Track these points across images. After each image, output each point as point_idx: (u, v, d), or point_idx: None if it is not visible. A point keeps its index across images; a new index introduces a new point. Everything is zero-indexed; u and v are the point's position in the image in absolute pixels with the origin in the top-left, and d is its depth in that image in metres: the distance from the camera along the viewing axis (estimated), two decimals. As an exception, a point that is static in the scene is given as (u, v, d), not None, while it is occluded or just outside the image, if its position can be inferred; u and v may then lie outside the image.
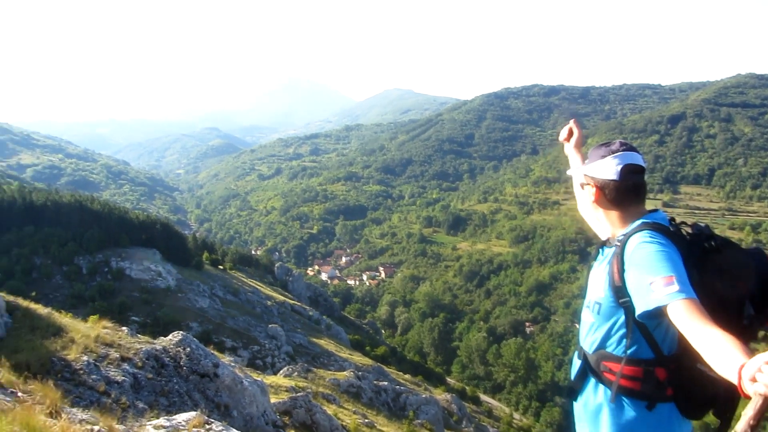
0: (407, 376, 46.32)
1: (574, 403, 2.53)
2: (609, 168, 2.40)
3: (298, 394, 15.13)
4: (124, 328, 9.33)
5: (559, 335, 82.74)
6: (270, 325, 45.17)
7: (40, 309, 9.34)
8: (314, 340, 47.79)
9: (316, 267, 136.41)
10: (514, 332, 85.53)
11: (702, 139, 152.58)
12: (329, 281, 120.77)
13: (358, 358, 44.90)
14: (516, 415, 62.48)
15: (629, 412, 2.26)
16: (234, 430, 4.34)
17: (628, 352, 2.24)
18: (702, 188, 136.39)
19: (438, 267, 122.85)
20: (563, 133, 3.58)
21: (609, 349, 2.33)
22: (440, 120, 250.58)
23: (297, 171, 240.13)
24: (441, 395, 38.50)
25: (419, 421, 25.12)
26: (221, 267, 69.19)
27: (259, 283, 69.33)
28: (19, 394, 3.49)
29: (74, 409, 4.05)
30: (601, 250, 2.55)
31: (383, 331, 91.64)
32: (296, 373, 26.96)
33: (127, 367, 7.30)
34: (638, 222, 2.34)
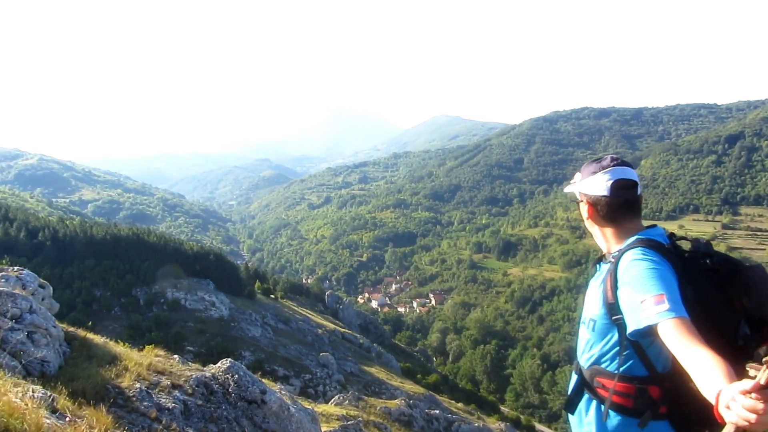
0: (460, 405, 45.60)
1: (570, 416, 2.52)
2: (600, 184, 2.40)
3: (349, 423, 15.14)
4: (175, 356, 9.58)
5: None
6: (321, 354, 45.30)
7: (97, 338, 9.67)
8: (365, 368, 47.67)
9: (366, 294, 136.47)
10: (569, 359, 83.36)
11: (762, 159, 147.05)
12: (379, 309, 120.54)
13: (409, 386, 44.52)
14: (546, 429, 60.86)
15: (620, 429, 2.24)
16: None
17: (621, 369, 2.23)
18: (764, 209, 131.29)
19: (489, 293, 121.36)
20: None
21: (603, 366, 2.32)
22: (489, 145, 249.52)
23: (346, 199, 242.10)
24: (495, 424, 37.76)
25: (473, 450, 24.72)
26: (273, 296, 69.97)
27: (309, 312, 69.81)
28: (72, 418, 3.65)
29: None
30: (597, 266, 2.53)
31: (434, 359, 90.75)
32: (347, 402, 26.93)
33: (178, 394, 7.47)
34: (633, 238, 2.32)
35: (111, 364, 7.75)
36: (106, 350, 8.62)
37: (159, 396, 7.21)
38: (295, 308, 67.91)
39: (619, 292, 2.17)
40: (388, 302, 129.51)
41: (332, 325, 65.63)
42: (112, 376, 7.30)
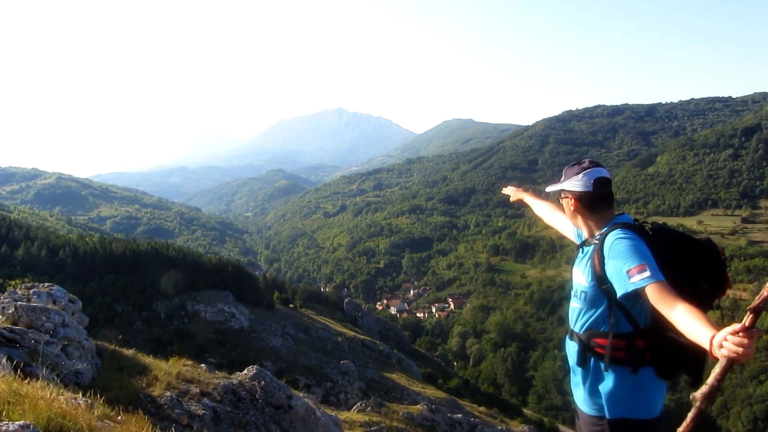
0: (482, 408, 45.44)
1: (574, 376, 3.01)
2: (584, 182, 2.96)
3: (372, 429, 15.28)
4: (202, 365, 9.80)
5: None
6: (342, 361, 45.38)
7: (126, 351, 9.93)
8: (386, 374, 47.69)
9: (385, 301, 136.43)
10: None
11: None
12: (398, 315, 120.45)
13: (431, 392, 44.47)
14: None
15: (620, 376, 2.74)
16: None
17: (614, 328, 2.74)
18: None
19: (508, 295, 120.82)
20: (512, 197, 4.39)
21: (597, 328, 2.81)
22: (502, 147, 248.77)
23: (361, 207, 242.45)
24: (518, 427, 37.61)
25: (496, 453, 24.69)
26: (292, 305, 70.27)
27: (329, 320, 70.00)
28: (116, 423, 3.86)
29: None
30: (581, 249, 3.06)
31: (455, 363, 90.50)
32: (369, 408, 27.01)
33: (207, 402, 7.68)
34: (612, 223, 2.86)
35: (141, 374, 8.00)
36: (136, 361, 8.87)
37: (189, 403, 7.43)
38: (315, 317, 68.13)
39: (606, 265, 2.67)
40: (407, 308, 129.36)
41: (352, 333, 65.75)
42: (144, 385, 7.54)
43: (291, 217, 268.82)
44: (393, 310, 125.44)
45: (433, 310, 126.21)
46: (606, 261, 2.68)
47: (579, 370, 2.95)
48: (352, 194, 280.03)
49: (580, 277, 2.94)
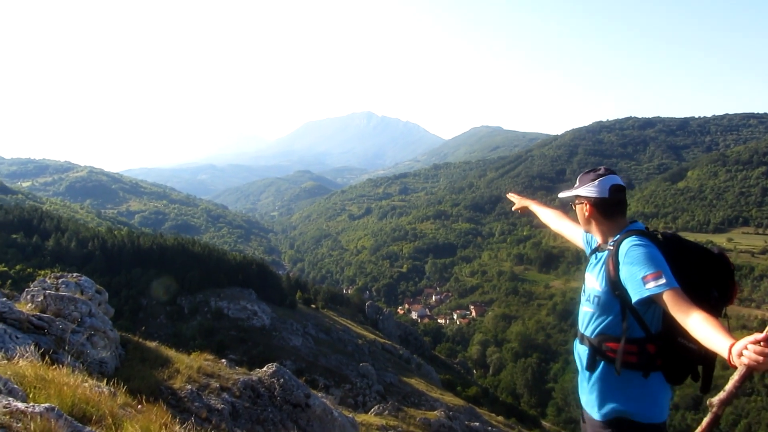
0: (500, 418, 45.16)
1: (582, 380, 3.07)
2: (600, 188, 3.01)
3: (389, 432, 15.27)
4: (222, 360, 9.90)
5: (663, 378, 78.12)
6: (361, 364, 45.43)
7: (149, 343, 10.06)
8: (405, 379, 47.61)
9: (406, 306, 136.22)
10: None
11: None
12: (419, 320, 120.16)
13: (449, 398, 44.30)
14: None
15: (631, 381, 2.79)
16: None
17: (628, 333, 2.78)
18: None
19: (530, 305, 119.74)
20: (516, 204, 4.30)
21: (609, 333, 2.85)
22: (530, 156, 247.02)
23: (386, 210, 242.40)
24: (536, 438, 37.32)
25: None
26: (313, 306, 70.50)
27: (350, 322, 70.11)
28: (138, 411, 3.94)
29: (181, 429, 4.43)
30: (594, 255, 3.11)
31: (474, 371, 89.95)
32: (387, 412, 27.01)
33: (226, 396, 7.75)
34: (626, 229, 2.92)
35: (163, 366, 8.11)
36: (159, 354, 9.00)
37: (209, 397, 7.52)
38: (336, 318, 68.30)
39: (620, 271, 2.72)
40: (428, 313, 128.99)
41: (372, 336, 65.79)
42: (165, 377, 7.65)
43: (316, 218, 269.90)
44: (414, 315, 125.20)
45: (455, 316, 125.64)
46: (620, 267, 2.72)
47: (588, 373, 2.99)
48: (377, 197, 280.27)
49: (594, 282, 2.97)
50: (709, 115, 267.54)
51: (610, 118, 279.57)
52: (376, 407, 28.32)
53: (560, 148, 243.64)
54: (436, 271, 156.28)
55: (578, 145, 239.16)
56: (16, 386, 3.28)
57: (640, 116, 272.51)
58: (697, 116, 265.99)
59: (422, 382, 49.19)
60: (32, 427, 2.52)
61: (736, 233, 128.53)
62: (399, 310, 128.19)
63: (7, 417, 2.60)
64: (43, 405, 2.80)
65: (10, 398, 2.86)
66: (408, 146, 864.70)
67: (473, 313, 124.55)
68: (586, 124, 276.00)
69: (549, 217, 3.97)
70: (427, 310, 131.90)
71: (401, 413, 27.66)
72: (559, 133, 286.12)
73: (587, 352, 3.01)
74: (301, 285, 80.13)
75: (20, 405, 2.75)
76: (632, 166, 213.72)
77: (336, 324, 63.36)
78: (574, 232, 3.62)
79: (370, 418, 24.23)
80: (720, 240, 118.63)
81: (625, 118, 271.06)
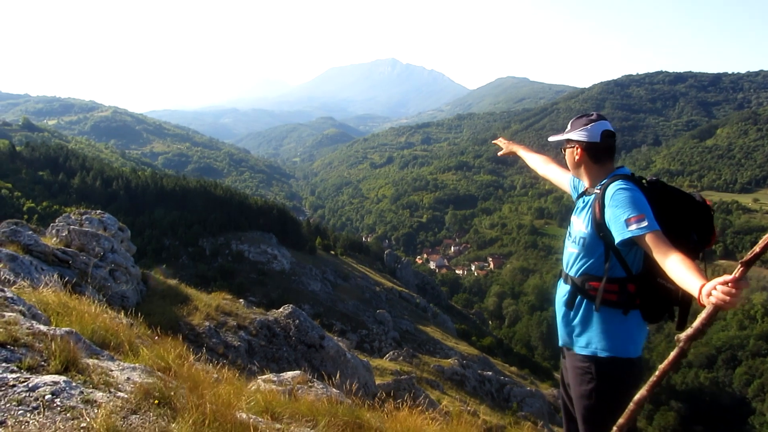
0: (513, 369, 45.83)
1: (564, 317, 3.16)
2: (592, 133, 3.09)
3: (402, 377, 15.58)
4: (240, 300, 10.12)
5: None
6: (378, 311, 46.07)
7: (170, 281, 10.29)
8: (421, 327, 48.28)
9: (425, 255, 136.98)
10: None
11: None
12: (437, 270, 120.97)
13: (463, 347, 44.94)
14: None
15: (611, 318, 2.92)
16: (334, 390, 4.75)
17: (608, 273, 2.91)
18: None
19: (549, 260, 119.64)
20: (503, 149, 4.56)
21: (592, 272, 2.97)
22: (556, 109, 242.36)
23: (408, 160, 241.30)
24: (548, 390, 37.88)
25: (523, 413, 24.94)
26: (333, 252, 71.16)
27: (368, 269, 70.82)
28: (154, 341, 4.08)
29: (196, 363, 4.57)
30: (581, 199, 3.24)
31: (490, 322, 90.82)
32: (401, 358, 27.51)
33: (243, 335, 7.97)
34: (612, 174, 3.03)
35: (183, 303, 8.33)
36: (179, 291, 9.22)
37: (226, 335, 7.74)
38: (354, 265, 68.98)
39: (606, 214, 2.83)
40: (447, 264, 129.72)
41: (390, 284, 66.45)
42: (184, 314, 7.86)
43: (338, 166, 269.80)
44: (432, 265, 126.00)
45: (473, 268, 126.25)
46: (606, 209, 2.84)
47: (568, 311, 3.11)
48: (399, 147, 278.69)
49: (580, 225, 3.09)
50: (743, 71, 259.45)
51: (641, 72, 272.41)
52: (391, 353, 28.85)
53: (587, 101, 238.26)
54: (456, 222, 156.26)
55: (606, 99, 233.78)
56: (39, 312, 3.42)
57: (671, 70, 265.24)
58: (730, 72, 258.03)
59: (438, 331, 49.85)
60: (53, 347, 2.66)
61: (763, 194, 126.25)
62: (417, 260, 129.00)
63: (30, 337, 2.76)
64: (63, 329, 2.94)
65: (33, 321, 3.00)
66: (432, 95, 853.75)
67: (491, 265, 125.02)
68: (615, 77, 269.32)
69: (536, 161, 4.13)
70: (445, 260, 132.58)
71: (415, 360, 28.18)
72: (587, 86, 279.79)
73: (568, 290, 3.12)
74: (321, 231, 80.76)
75: (42, 327, 2.89)
76: (660, 122, 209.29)
77: (354, 271, 64.04)
78: (561, 176, 3.72)
79: (384, 363, 24.72)
80: (746, 200, 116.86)
81: (656, 72, 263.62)
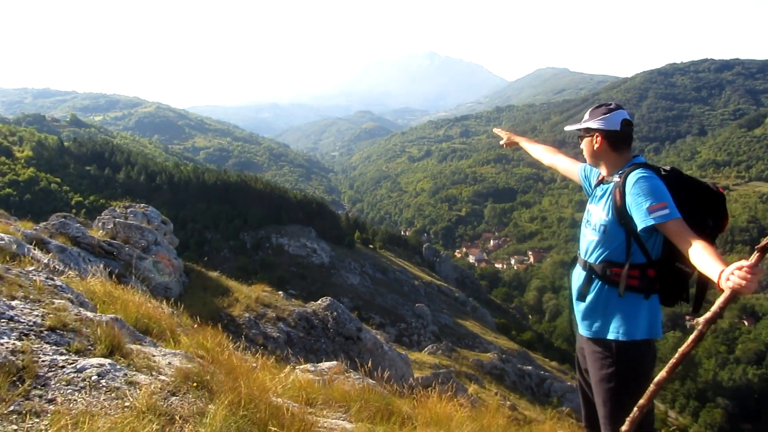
0: (554, 363, 45.37)
1: (582, 303, 3.24)
2: (612, 122, 3.16)
3: (441, 371, 15.62)
4: (279, 292, 10.29)
5: (724, 332, 76.04)
6: (417, 305, 46.11)
7: (211, 272, 10.53)
8: (460, 321, 48.17)
9: (464, 249, 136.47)
10: (672, 325, 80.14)
11: None
12: (476, 264, 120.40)
13: (503, 342, 44.70)
14: (671, 414, 59.00)
15: (633, 302, 3.00)
16: (370, 380, 4.82)
17: (630, 259, 2.99)
18: None
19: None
20: (504, 140, 4.52)
21: (613, 259, 3.05)
22: (597, 99, 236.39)
23: (447, 153, 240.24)
24: (589, 384, 37.36)
25: (564, 408, 24.71)
26: (371, 246, 71.39)
27: (407, 263, 70.85)
28: (195, 330, 4.23)
29: (235, 351, 4.70)
30: (599, 187, 3.30)
31: (530, 317, 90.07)
32: (440, 352, 27.53)
33: (282, 326, 8.12)
34: (630, 163, 3.10)
35: (223, 295, 8.54)
36: (220, 283, 9.45)
37: (265, 326, 7.89)
38: (393, 259, 69.11)
39: (627, 201, 2.91)
40: (486, 258, 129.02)
41: (428, 278, 66.42)
42: (225, 305, 8.06)
43: (376, 159, 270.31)
44: (471, 259, 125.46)
45: (512, 261, 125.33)
46: (627, 197, 2.92)
47: (587, 297, 3.20)
48: (438, 140, 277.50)
49: (600, 213, 3.17)
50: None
51: (685, 60, 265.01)
52: (430, 347, 28.90)
53: (629, 91, 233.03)
54: (495, 215, 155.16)
55: (649, 89, 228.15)
56: (86, 299, 3.59)
57: (717, 58, 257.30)
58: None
59: (477, 325, 49.68)
60: (99, 333, 2.84)
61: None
62: (456, 254, 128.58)
63: (78, 323, 2.92)
64: (109, 315, 3.10)
65: (81, 308, 3.16)
66: (470, 87, 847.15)
67: (531, 259, 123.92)
68: (659, 66, 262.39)
69: (540, 152, 4.18)
70: (484, 254, 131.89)
71: (454, 354, 28.17)
72: (629, 76, 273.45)
73: (585, 276, 3.22)
74: (359, 225, 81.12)
75: (89, 314, 3.05)
76: (705, 111, 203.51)
77: (393, 264, 64.18)
78: (571, 165, 3.82)
79: (423, 356, 24.79)
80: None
81: (701, 60, 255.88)
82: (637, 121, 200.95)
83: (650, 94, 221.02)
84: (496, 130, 4.65)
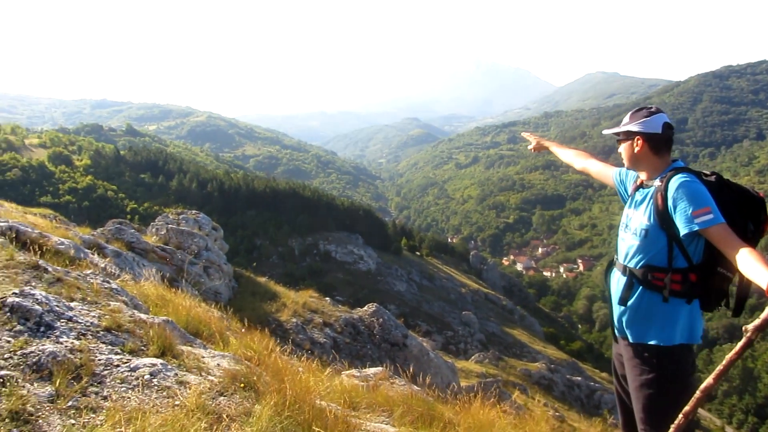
0: (604, 374, 44.32)
1: (622, 308, 3.17)
2: (653, 125, 3.13)
3: (488, 380, 15.48)
4: (326, 298, 10.40)
5: (785, 344, 72.99)
6: (464, 312, 45.82)
7: (260, 278, 10.72)
8: (507, 329, 47.65)
9: (512, 257, 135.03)
10: (729, 337, 77.46)
11: None
12: (524, 272, 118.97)
13: (551, 351, 43.99)
14: (729, 429, 56.99)
15: (676, 307, 2.97)
16: (415, 387, 4.83)
17: (672, 264, 2.96)
18: None
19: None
20: (533, 144, 4.41)
21: (655, 263, 3.01)
22: (648, 104, 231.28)
23: (494, 159, 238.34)
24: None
25: (615, 421, 24.14)
26: (418, 253, 71.34)
27: (453, 270, 70.52)
28: (244, 335, 4.33)
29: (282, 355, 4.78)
30: (638, 191, 3.24)
31: (579, 326, 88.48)
32: (487, 360, 27.28)
33: (328, 332, 8.21)
34: (671, 168, 3.08)
35: (272, 300, 8.69)
36: (268, 288, 9.62)
37: (312, 331, 8.00)
38: (440, 266, 68.88)
39: (669, 206, 2.90)
40: (534, 266, 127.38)
41: (476, 285, 65.93)
42: (273, 310, 8.20)
43: (423, 166, 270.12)
44: (519, 267, 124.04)
45: (561, 270, 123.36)
46: (669, 201, 2.91)
47: (631, 302, 3.13)
48: (485, 146, 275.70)
49: (641, 217, 3.12)
50: None
51: (742, 62, 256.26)
52: (477, 355, 28.65)
53: (682, 95, 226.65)
54: (544, 222, 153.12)
55: (703, 92, 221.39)
56: (140, 302, 3.73)
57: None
58: None
59: (525, 334, 49.03)
60: (151, 333, 2.97)
61: None
62: (504, 261, 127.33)
63: (132, 324, 3.06)
64: (161, 317, 3.22)
65: (135, 310, 3.29)
66: (518, 93, 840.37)
67: (581, 267, 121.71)
68: (713, 68, 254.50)
69: (571, 157, 4.12)
70: (532, 262, 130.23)
71: (501, 363, 27.87)
72: (682, 79, 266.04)
73: (626, 281, 3.16)
74: (406, 232, 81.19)
75: (143, 316, 3.18)
76: (764, 115, 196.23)
77: (440, 272, 63.97)
78: (603, 170, 3.81)
79: (470, 365, 24.60)
80: None
81: (759, 62, 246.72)
82: (691, 126, 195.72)
83: (705, 98, 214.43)
84: (525, 134, 4.60)
